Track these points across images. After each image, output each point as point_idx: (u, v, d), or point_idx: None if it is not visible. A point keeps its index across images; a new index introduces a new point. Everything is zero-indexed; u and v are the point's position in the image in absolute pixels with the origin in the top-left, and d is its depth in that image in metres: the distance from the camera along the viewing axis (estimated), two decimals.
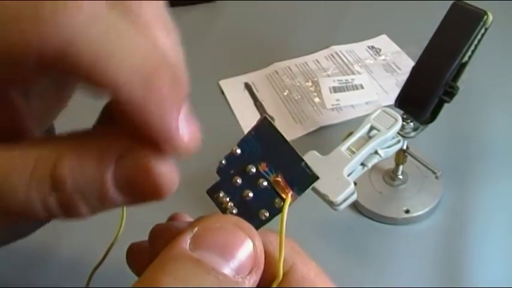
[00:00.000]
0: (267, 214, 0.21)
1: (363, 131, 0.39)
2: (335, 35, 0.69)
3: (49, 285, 0.42)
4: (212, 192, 0.22)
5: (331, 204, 0.36)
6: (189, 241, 0.19)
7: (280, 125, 0.56)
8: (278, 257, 0.20)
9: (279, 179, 0.21)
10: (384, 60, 0.65)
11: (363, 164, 0.38)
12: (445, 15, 0.41)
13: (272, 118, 0.58)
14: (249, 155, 0.22)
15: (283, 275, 0.20)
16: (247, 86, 0.62)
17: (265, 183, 0.21)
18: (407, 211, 0.46)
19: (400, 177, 0.48)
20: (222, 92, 0.62)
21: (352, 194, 0.36)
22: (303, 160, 0.21)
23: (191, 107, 0.20)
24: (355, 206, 0.47)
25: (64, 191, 0.19)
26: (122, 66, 0.17)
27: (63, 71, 0.18)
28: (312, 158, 0.38)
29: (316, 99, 0.59)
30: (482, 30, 0.40)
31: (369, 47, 0.67)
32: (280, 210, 0.21)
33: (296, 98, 0.60)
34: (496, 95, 0.58)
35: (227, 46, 0.69)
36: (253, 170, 0.21)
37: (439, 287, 0.41)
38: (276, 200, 0.21)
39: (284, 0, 0.75)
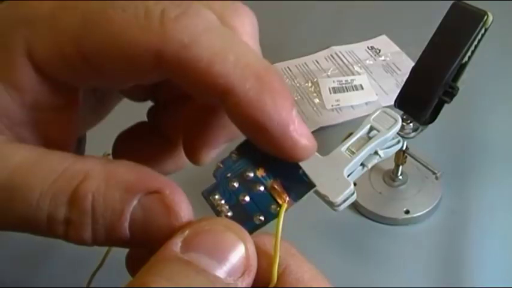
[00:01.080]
0: (262, 218, 0.21)
1: (362, 131, 0.39)
2: (335, 36, 0.69)
3: (49, 285, 0.42)
4: (207, 194, 0.22)
5: (331, 204, 0.36)
6: (179, 244, 0.19)
7: None
8: (273, 261, 0.20)
9: (276, 185, 0.21)
10: (384, 60, 0.65)
11: (362, 165, 0.38)
12: (445, 15, 0.41)
13: None
14: (247, 160, 0.22)
15: (277, 277, 0.20)
16: None
17: (262, 188, 0.21)
18: (407, 211, 0.46)
19: (400, 177, 0.48)
20: None
21: (351, 194, 0.36)
22: (300, 168, 0.21)
23: None
24: (355, 207, 0.47)
25: (78, 208, 0.19)
26: (237, 66, 0.19)
27: (178, 73, 0.19)
28: (311, 159, 0.37)
29: (316, 100, 0.59)
30: (482, 31, 0.40)
31: (368, 47, 0.67)
32: (276, 215, 0.21)
33: (296, 98, 0.60)
34: (495, 95, 0.58)
35: None
36: (251, 174, 0.21)
37: (439, 287, 0.41)
38: (272, 206, 0.21)
39: (284, 0, 0.75)
